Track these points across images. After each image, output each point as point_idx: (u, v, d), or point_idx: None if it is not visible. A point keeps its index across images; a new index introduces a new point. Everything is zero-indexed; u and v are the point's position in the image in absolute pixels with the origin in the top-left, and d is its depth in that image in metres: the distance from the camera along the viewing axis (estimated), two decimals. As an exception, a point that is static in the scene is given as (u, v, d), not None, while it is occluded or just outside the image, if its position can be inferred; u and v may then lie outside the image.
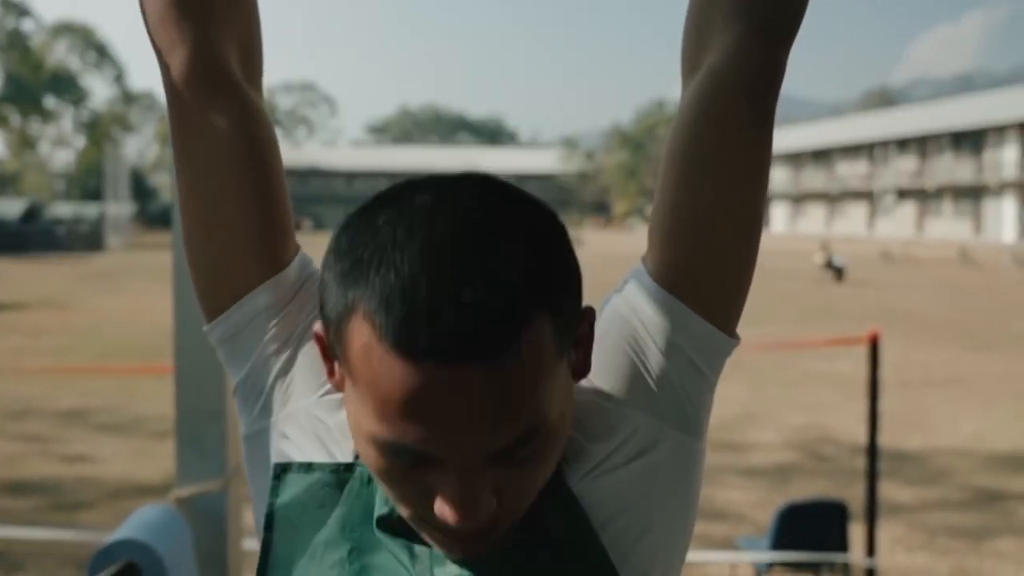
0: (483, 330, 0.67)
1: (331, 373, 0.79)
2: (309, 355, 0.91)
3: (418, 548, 0.82)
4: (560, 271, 0.74)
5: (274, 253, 0.93)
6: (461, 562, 0.80)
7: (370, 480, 0.84)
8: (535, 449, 0.73)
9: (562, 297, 0.74)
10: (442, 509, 0.73)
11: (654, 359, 0.88)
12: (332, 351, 0.76)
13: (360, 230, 0.74)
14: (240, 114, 0.94)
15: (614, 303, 0.92)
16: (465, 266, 0.69)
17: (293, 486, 0.87)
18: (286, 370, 0.92)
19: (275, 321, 0.92)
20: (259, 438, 0.93)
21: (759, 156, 0.90)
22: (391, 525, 0.82)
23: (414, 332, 0.67)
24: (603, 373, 0.87)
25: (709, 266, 0.89)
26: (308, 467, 0.87)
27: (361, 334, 0.70)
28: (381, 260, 0.70)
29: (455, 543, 0.76)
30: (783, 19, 0.91)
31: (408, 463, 0.72)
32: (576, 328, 0.77)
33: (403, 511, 0.78)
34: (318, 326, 0.78)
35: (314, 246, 0.96)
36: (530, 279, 0.70)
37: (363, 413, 0.73)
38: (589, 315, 0.79)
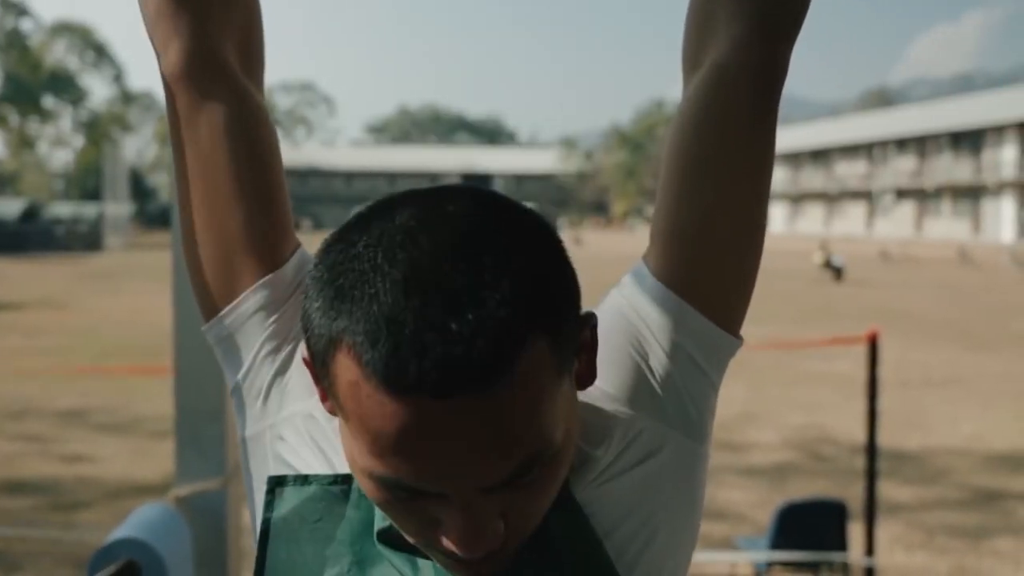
0: (474, 360, 0.63)
1: (324, 398, 0.74)
2: None
3: (420, 561, 0.79)
4: (555, 284, 0.70)
5: (274, 251, 0.92)
6: None
7: None
8: (541, 472, 0.70)
9: (559, 312, 0.69)
10: (447, 541, 0.70)
11: (657, 361, 0.87)
12: (321, 382, 0.72)
13: (340, 255, 0.69)
14: (239, 109, 0.93)
15: (615, 301, 0.91)
16: (451, 290, 0.64)
17: (290, 499, 0.85)
18: (284, 369, 0.90)
19: (273, 318, 0.91)
20: (257, 440, 0.91)
21: (761, 154, 0.90)
22: (392, 538, 0.80)
23: (402, 367, 0.63)
24: (606, 375, 0.85)
25: (711, 264, 0.88)
26: (305, 479, 0.85)
27: (347, 370, 0.66)
28: (363, 289, 0.66)
29: (462, 567, 0.73)
30: (785, 15, 0.91)
31: (407, 496, 0.69)
32: (578, 337, 0.73)
33: (407, 536, 0.75)
34: (306, 352, 0.73)
35: (313, 246, 0.95)
36: (522, 299, 0.66)
37: (356, 448, 0.69)
38: (591, 320, 0.76)
